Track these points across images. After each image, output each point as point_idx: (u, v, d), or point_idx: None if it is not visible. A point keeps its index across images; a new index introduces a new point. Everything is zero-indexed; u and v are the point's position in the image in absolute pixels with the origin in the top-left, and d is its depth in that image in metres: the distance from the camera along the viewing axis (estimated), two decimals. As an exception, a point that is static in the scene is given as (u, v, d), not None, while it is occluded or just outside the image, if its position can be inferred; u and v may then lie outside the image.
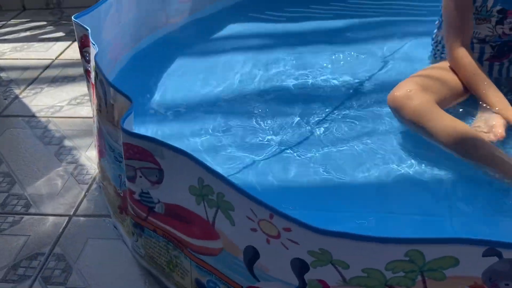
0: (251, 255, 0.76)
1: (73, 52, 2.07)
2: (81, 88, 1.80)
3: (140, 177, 0.91)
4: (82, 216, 1.23)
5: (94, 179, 1.35)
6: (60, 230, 1.18)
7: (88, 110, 1.67)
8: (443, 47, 1.39)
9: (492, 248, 0.60)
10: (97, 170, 1.37)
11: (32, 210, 1.26)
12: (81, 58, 1.42)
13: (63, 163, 1.43)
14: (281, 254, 0.71)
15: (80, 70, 1.68)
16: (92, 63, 1.21)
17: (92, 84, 1.21)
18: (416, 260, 0.63)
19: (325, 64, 1.67)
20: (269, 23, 2.02)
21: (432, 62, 1.49)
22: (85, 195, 1.30)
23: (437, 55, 1.46)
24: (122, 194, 1.11)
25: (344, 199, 1.12)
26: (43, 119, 1.64)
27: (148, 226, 0.97)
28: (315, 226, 0.63)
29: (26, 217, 1.23)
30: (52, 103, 1.73)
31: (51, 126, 1.60)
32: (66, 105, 1.72)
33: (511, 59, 1.34)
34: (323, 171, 1.20)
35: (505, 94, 1.27)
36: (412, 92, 1.21)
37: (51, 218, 1.23)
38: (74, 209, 1.25)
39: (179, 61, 1.76)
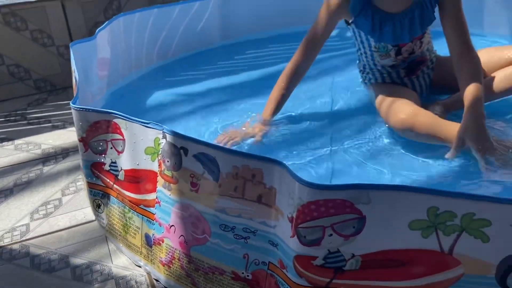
0: (508, 264, 0.76)
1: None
2: (37, 196, 1.47)
3: (330, 235, 0.82)
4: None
5: (153, 285, 1.12)
6: None
7: (67, 218, 1.37)
8: (367, 73, 1.60)
9: None
10: (146, 274, 1.14)
11: None
12: (86, 151, 1.20)
13: (94, 285, 1.14)
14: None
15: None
16: (146, 143, 1.04)
17: (157, 171, 1.04)
18: None
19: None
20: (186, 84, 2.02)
21: (365, 88, 1.64)
22: (159, 306, 1.06)
23: (367, 81, 1.62)
24: (250, 277, 0.96)
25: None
26: (15, 247, 1.28)
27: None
28: None
29: None
30: (10, 225, 1.36)
31: (34, 251, 1.26)
32: (31, 222, 1.38)
33: (423, 70, 1.52)
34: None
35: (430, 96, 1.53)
36: (415, 110, 1.34)
37: None
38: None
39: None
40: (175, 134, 0.98)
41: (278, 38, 2.34)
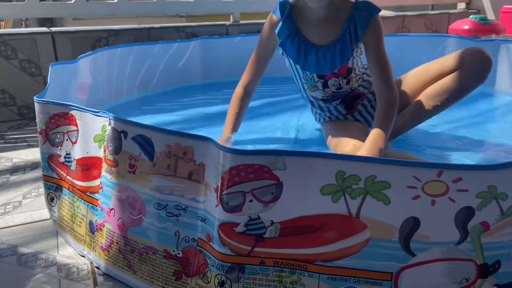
0: (411, 226, 0.81)
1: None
2: None
3: (251, 201, 0.87)
4: (113, 308, 1.02)
5: (94, 272, 1.14)
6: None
7: (23, 217, 1.41)
8: (315, 113, 1.68)
9: None
10: (89, 263, 1.16)
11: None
12: (44, 143, 1.27)
13: (37, 269, 1.16)
14: (446, 212, 0.80)
15: None
16: (95, 131, 1.11)
17: (102, 157, 1.10)
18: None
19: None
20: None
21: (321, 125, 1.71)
22: (96, 290, 1.08)
23: (317, 121, 1.70)
24: (181, 254, 0.99)
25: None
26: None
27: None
28: (488, 164, 0.76)
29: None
30: (-32, 219, 1.40)
31: (-14, 241, 1.28)
32: (-12, 218, 1.41)
33: (363, 104, 1.57)
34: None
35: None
36: (357, 144, 1.40)
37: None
38: (95, 305, 1.03)
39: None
40: (117, 119, 1.05)
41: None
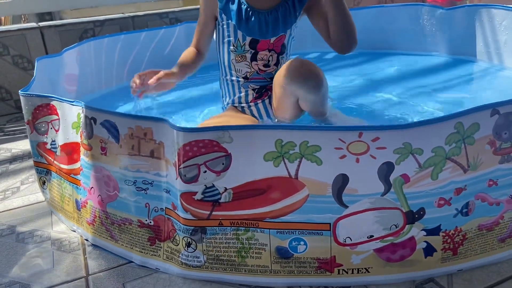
0: (341, 182, 0.94)
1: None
2: None
3: (205, 172, 1.00)
4: (99, 272, 1.16)
5: (83, 244, 1.28)
6: (86, 289, 1.10)
7: (21, 200, 1.56)
8: (224, 94, 1.67)
9: (494, 108, 0.94)
10: (79, 236, 1.31)
11: (36, 286, 1.13)
12: (32, 132, 1.40)
13: (32, 245, 1.30)
14: (369, 167, 0.92)
15: None
16: (72, 119, 1.24)
17: (80, 142, 1.23)
18: (460, 131, 0.92)
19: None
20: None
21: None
22: (85, 258, 1.22)
23: (224, 107, 1.70)
24: (152, 223, 1.13)
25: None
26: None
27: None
28: (400, 124, 0.87)
29: (33, 294, 1.10)
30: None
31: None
32: (-10, 204, 1.56)
33: (269, 95, 1.57)
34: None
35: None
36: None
37: (65, 286, 1.12)
38: (84, 271, 1.17)
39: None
40: (87, 107, 1.17)
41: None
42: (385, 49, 2.57)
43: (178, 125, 0.99)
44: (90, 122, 1.15)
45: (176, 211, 1.07)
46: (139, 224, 1.14)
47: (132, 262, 1.18)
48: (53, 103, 1.32)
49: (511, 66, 2.14)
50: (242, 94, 1.59)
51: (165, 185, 1.08)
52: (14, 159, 1.93)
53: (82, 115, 1.19)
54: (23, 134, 2.20)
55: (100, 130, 1.13)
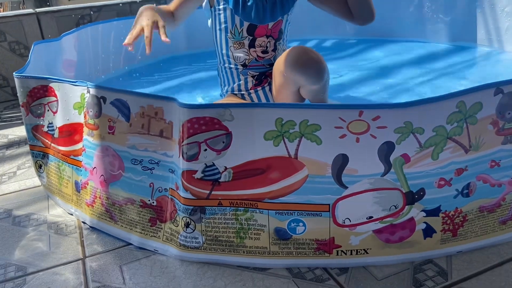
0: (341, 162, 0.93)
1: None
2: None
3: (205, 150, 0.99)
4: (96, 255, 1.15)
5: (80, 227, 1.27)
6: (83, 272, 1.09)
7: (18, 185, 1.54)
8: (222, 82, 1.65)
9: (498, 87, 0.93)
10: (76, 220, 1.30)
11: (31, 270, 1.12)
12: (27, 115, 1.38)
13: (28, 228, 1.29)
14: (369, 147, 0.91)
15: None
16: (74, 100, 1.22)
17: (83, 122, 1.22)
18: (463, 110, 0.91)
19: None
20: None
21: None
22: (82, 241, 1.21)
23: (221, 94, 1.70)
24: (155, 203, 1.12)
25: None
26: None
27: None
28: (401, 102, 0.86)
29: (30, 276, 1.09)
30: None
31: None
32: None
33: (269, 81, 1.56)
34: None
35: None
36: None
37: (61, 268, 1.12)
38: (81, 254, 1.16)
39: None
40: (96, 87, 1.16)
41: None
42: (385, 37, 2.57)
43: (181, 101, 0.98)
44: (98, 101, 1.14)
45: (178, 191, 1.06)
46: (142, 204, 1.13)
47: (130, 244, 1.17)
48: (52, 84, 1.30)
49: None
50: (242, 81, 1.58)
51: (171, 165, 1.07)
52: (10, 145, 1.91)
53: (87, 95, 1.18)
54: (20, 121, 2.19)
55: (110, 109, 1.12)
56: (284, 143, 0.95)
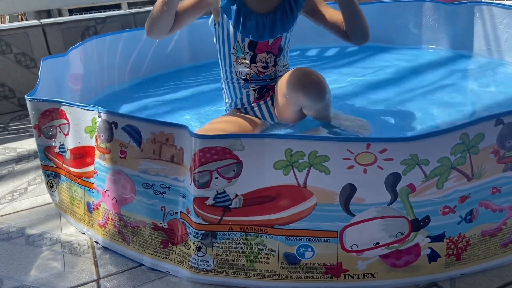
0: (348, 192, 0.96)
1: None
2: (6, 186, 1.68)
3: (216, 178, 1.02)
4: (110, 276, 1.19)
5: (93, 247, 1.31)
6: (98, 293, 1.13)
7: (29, 202, 1.58)
8: (226, 97, 1.70)
9: (498, 118, 0.96)
10: (88, 239, 1.33)
11: (49, 291, 1.15)
12: (39, 136, 1.42)
13: (43, 247, 1.33)
14: (376, 178, 0.94)
15: None
16: (86, 123, 1.26)
17: (95, 146, 1.25)
18: (465, 141, 0.95)
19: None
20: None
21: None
22: (96, 261, 1.25)
23: (226, 108, 1.75)
24: (166, 226, 1.15)
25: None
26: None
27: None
28: (407, 136, 0.90)
29: (46, 298, 1.13)
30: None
31: (-1, 225, 1.46)
32: (-1, 205, 1.58)
33: (271, 96, 1.61)
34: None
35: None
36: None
37: (77, 289, 1.15)
38: (95, 274, 1.20)
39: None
40: (107, 112, 1.20)
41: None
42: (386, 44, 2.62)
43: (194, 132, 1.02)
44: (110, 126, 1.17)
45: (189, 215, 1.09)
46: (153, 227, 1.17)
47: (143, 265, 1.21)
48: (63, 108, 1.33)
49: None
50: (244, 95, 1.63)
51: (182, 190, 1.11)
52: (20, 159, 1.95)
53: (98, 120, 1.21)
54: (28, 133, 2.22)
55: (121, 134, 1.15)
56: (294, 172, 0.98)
